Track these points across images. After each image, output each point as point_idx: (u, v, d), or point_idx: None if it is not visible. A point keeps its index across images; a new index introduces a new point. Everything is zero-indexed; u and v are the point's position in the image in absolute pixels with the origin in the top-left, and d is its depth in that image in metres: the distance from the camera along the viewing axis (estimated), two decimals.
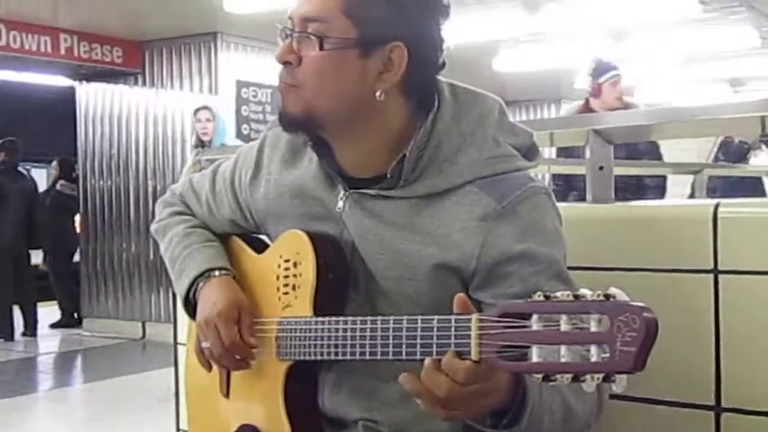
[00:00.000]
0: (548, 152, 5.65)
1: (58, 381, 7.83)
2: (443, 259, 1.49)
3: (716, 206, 1.75)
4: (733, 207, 1.78)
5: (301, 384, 1.62)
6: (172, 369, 2.75)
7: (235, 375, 1.74)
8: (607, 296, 1.07)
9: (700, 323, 1.74)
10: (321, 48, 1.47)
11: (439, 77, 1.59)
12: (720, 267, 1.73)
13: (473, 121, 1.56)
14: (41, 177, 12.05)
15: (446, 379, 1.24)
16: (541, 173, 4.62)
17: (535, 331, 1.11)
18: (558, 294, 1.10)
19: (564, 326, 1.08)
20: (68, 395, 7.07)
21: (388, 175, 1.53)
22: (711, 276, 1.73)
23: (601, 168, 2.02)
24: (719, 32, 9.00)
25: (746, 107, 1.98)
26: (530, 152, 1.60)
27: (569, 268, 1.54)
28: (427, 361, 1.27)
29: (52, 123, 13.61)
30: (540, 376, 1.10)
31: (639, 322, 1.05)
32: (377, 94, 1.50)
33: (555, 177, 5.74)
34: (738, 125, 2.17)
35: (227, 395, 1.76)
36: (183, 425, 2.69)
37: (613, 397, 1.79)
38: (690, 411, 1.76)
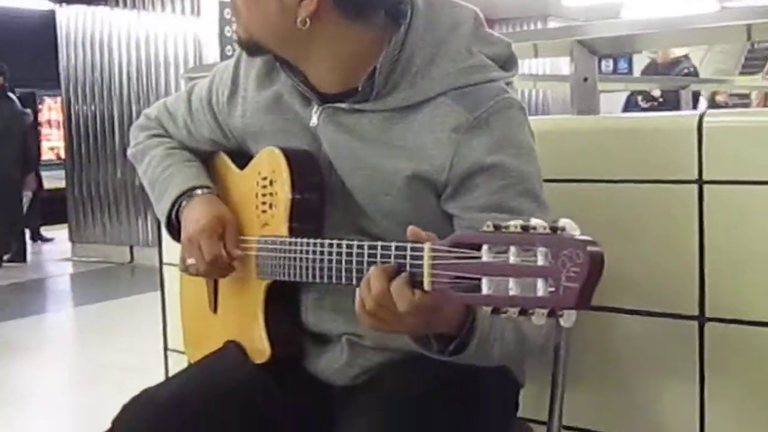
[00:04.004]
0: None
1: (47, 306, 7.85)
2: (417, 172, 1.48)
3: (701, 116, 1.74)
4: (717, 117, 1.77)
5: (282, 302, 1.62)
6: (159, 291, 2.76)
7: (222, 292, 1.75)
8: (554, 229, 1.04)
9: (684, 233, 1.74)
10: None
11: None
12: (704, 177, 1.72)
13: (445, 29, 1.53)
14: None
15: (385, 289, 1.25)
16: None
17: (486, 263, 1.10)
18: (509, 224, 1.09)
19: (513, 258, 1.07)
20: (57, 320, 7.10)
21: (360, 89, 1.51)
22: (695, 186, 1.73)
23: (585, 79, 2.00)
24: None
25: (731, 15, 1.95)
26: (508, 63, 1.58)
27: (554, 180, 1.53)
28: (376, 268, 1.28)
29: (33, 48, 13.43)
30: (489, 308, 1.09)
31: (582, 257, 1.01)
32: (298, 21, 1.48)
33: None
34: (723, 34, 2.14)
35: (215, 311, 1.77)
36: (171, 345, 2.70)
37: (597, 308, 1.81)
38: (674, 321, 1.78)
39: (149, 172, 1.81)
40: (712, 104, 8.37)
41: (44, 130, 15.35)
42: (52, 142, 15.00)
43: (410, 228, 1.26)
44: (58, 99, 10.48)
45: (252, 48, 1.60)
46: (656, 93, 7.45)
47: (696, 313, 1.75)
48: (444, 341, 1.34)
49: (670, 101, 7.25)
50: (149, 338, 3.03)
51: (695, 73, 8.13)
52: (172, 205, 1.73)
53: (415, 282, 1.23)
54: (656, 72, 8.04)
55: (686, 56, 8.16)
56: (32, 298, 8.15)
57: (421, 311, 1.24)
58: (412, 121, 1.50)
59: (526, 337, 1.40)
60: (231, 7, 1.60)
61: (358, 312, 1.30)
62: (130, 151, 1.89)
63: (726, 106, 8.19)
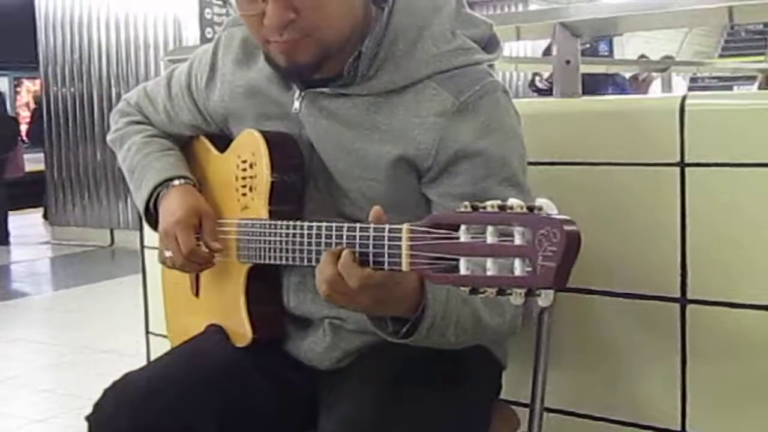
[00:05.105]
0: None
1: (28, 289, 7.81)
2: (401, 155, 1.47)
3: (683, 99, 1.74)
4: (699, 99, 1.77)
5: (263, 285, 1.61)
6: (140, 275, 2.75)
7: (204, 275, 1.74)
8: (531, 208, 1.04)
9: (666, 216, 1.75)
10: None
11: None
12: (686, 160, 1.72)
13: (428, 12, 1.52)
14: (3, 85, 11.84)
15: (334, 269, 1.27)
16: None
17: (463, 243, 1.10)
18: (486, 204, 1.08)
19: (490, 238, 1.06)
20: (38, 303, 7.07)
21: (345, 73, 1.50)
22: (677, 169, 1.73)
23: (568, 62, 2.00)
24: None
25: None
26: (490, 44, 1.57)
27: (537, 163, 1.53)
28: (326, 251, 1.30)
29: (12, 30, 13.33)
30: (467, 288, 1.09)
31: (559, 237, 1.00)
32: None
33: None
34: (705, 15, 2.14)
35: (197, 295, 1.76)
36: (152, 329, 2.69)
37: (579, 290, 1.82)
38: (655, 303, 1.78)
39: (128, 160, 1.80)
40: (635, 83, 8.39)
41: (22, 113, 15.24)
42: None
43: (374, 209, 1.26)
44: (38, 81, 10.38)
45: (317, 66, 1.49)
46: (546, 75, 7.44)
47: (678, 295, 1.75)
48: (400, 323, 1.34)
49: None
50: (130, 321, 3.02)
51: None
52: (150, 195, 1.72)
53: (394, 265, 1.23)
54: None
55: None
56: (12, 281, 8.11)
57: (371, 287, 1.25)
58: (396, 104, 1.49)
59: (482, 320, 1.40)
60: (290, 38, 1.44)
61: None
62: (109, 137, 1.88)
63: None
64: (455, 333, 1.37)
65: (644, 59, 5.63)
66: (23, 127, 10.12)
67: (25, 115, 15.18)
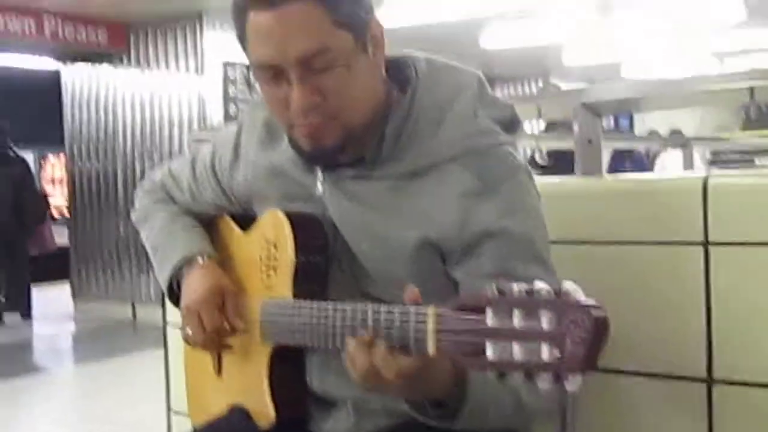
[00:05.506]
0: None
1: (50, 363, 7.81)
2: (425, 239, 1.47)
3: (706, 178, 1.75)
4: (722, 178, 1.77)
5: (287, 366, 1.60)
6: (163, 350, 2.74)
7: (226, 355, 1.73)
8: (559, 292, 1.04)
9: (690, 295, 1.74)
10: (349, 72, 1.43)
11: (416, 52, 1.58)
12: (710, 239, 1.72)
13: (450, 94, 1.53)
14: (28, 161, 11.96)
15: (369, 361, 1.25)
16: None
17: (490, 327, 1.10)
18: (514, 287, 1.09)
19: (517, 323, 1.06)
20: (60, 377, 7.06)
21: (368, 156, 1.51)
22: (701, 248, 1.73)
23: (590, 141, 2.01)
24: (707, 6, 8.98)
25: (734, 78, 1.97)
26: (511, 125, 1.58)
27: (560, 242, 1.53)
28: (357, 340, 1.28)
29: (38, 107, 13.54)
30: (494, 373, 1.08)
31: (588, 323, 1.01)
32: (381, 75, 1.50)
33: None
34: (725, 96, 2.15)
35: (219, 374, 1.76)
36: (174, 406, 2.68)
37: (604, 371, 1.80)
38: (682, 383, 1.76)
39: (152, 238, 1.81)
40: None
41: (47, 188, 15.38)
42: (56, 200, 15.03)
43: (408, 290, 1.25)
44: (62, 157, 10.51)
45: (342, 148, 1.49)
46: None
47: (704, 375, 1.74)
48: (440, 406, 1.33)
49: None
50: (151, 397, 3.01)
51: None
52: (173, 272, 1.73)
53: (416, 346, 1.22)
54: None
55: None
56: (34, 355, 8.11)
57: (411, 376, 1.24)
58: (419, 186, 1.50)
59: (523, 402, 1.39)
60: (315, 121, 1.44)
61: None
62: (133, 215, 1.90)
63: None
64: (496, 412, 1.36)
65: (664, 137, 5.64)
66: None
67: (49, 190, 15.33)
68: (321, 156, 1.52)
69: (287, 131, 1.54)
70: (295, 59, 1.40)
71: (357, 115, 1.47)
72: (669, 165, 9.16)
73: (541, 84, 13.14)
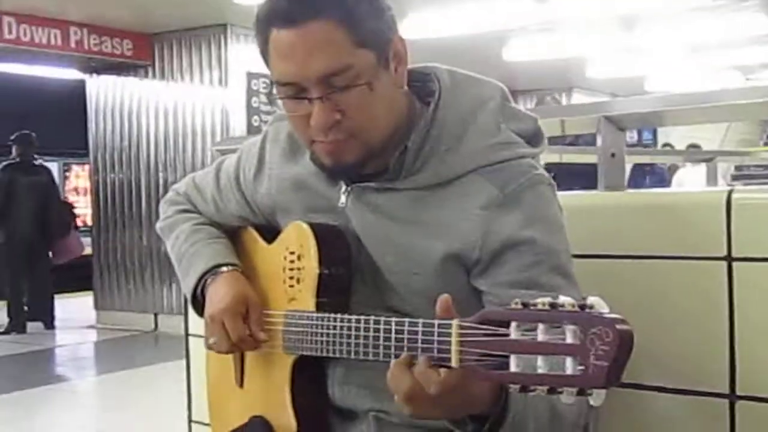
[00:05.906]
0: None
1: (72, 373, 7.85)
2: (449, 251, 1.47)
3: (729, 192, 1.74)
4: (746, 193, 1.76)
5: (309, 377, 1.61)
6: (184, 361, 2.75)
7: (248, 366, 1.74)
8: (583, 306, 1.04)
9: (714, 311, 1.73)
10: (371, 90, 1.42)
11: (439, 65, 1.58)
12: (734, 254, 1.71)
13: (473, 106, 1.54)
14: (53, 170, 12.05)
15: (412, 379, 1.23)
16: None
17: (514, 340, 1.09)
18: (538, 301, 1.08)
19: (541, 336, 1.06)
20: (81, 387, 7.09)
21: (391, 168, 1.51)
22: (725, 263, 1.72)
23: (613, 155, 2.00)
24: (730, 20, 8.95)
25: (758, 93, 1.96)
26: (535, 138, 1.58)
27: (582, 256, 1.53)
28: (396, 361, 1.26)
29: (63, 117, 13.64)
30: (517, 386, 1.08)
31: (612, 336, 1.01)
32: (403, 89, 1.50)
33: None
34: (749, 111, 2.15)
35: (241, 385, 1.76)
36: (195, 417, 2.69)
37: (626, 385, 1.80)
38: (704, 399, 1.75)
39: (176, 248, 1.82)
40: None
41: (71, 197, 15.48)
42: (79, 210, 15.12)
43: (441, 299, 1.24)
44: (86, 167, 10.57)
45: (362, 164, 1.51)
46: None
47: (727, 391, 1.73)
48: (480, 421, 1.31)
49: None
50: (173, 408, 3.02)
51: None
52: (197, 282, 1.73)
53: (443, 361, 1.22)
54: None
55: None
56: (56, 365, 8.15)
57: (453, 388, 1.22)
58: (442, 198, 1.50)
59: (560, 414, 1.38)
60: (336, 138, 1.45)
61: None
62: (158, 225, 1.91)
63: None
64: (535, 427, 1.35)
65: (688, 151, 5.63)
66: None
67: (74, 200, 15.43)
68: (342, 171, 1.53)
69: (308, 147, 1.54)
70: (315, 78, 1.41)
71: (378, 132, 1.47)
72: (686, 181, 9.11)
73: (564, 98, 13.12)
